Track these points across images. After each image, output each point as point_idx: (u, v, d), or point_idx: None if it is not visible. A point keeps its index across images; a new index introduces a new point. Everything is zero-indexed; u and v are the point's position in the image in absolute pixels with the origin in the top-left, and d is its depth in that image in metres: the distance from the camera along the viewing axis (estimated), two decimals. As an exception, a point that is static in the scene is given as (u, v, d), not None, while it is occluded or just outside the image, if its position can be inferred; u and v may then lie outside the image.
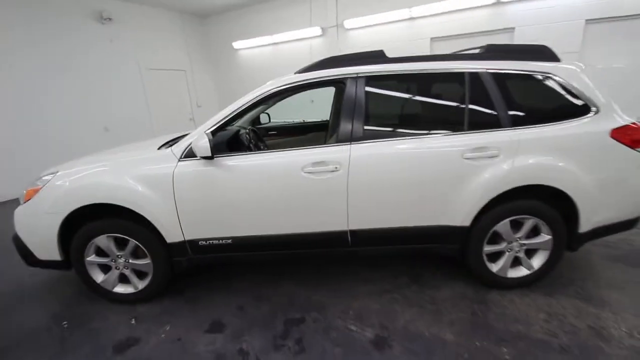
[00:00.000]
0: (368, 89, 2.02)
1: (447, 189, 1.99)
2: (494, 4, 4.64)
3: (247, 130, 2.68)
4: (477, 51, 2.17)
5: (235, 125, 2.95)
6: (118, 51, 6.29)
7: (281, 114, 3.89)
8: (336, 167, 1.95)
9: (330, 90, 3.41)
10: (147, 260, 2.15)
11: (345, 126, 2.01)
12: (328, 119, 3.64)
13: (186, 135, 2.22)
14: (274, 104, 3.13)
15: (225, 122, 2.05)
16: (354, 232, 2.09)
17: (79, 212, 2.04)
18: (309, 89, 2.13)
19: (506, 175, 1.94)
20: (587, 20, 4.21)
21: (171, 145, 2.15)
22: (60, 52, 5.51)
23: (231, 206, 2.02)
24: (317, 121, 3.85)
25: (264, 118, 3.74)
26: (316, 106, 6.54)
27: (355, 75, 2.03)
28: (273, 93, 2.07)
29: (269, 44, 7.04)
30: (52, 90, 5.46)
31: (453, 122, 2.03)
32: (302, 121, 6.61)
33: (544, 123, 1.99)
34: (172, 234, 2.07)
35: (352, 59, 2.08)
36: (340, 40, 6.11)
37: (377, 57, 2.05)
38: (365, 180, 1.98)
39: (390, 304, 2.16)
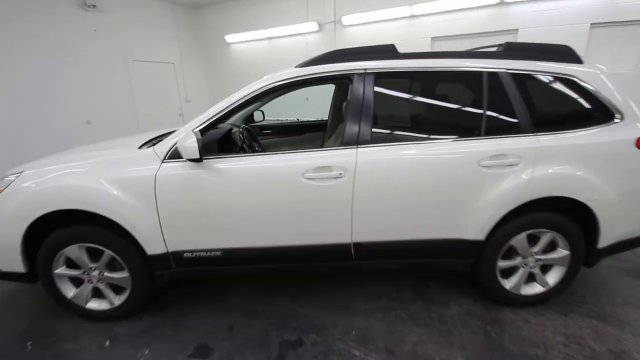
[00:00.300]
0: (377, 86, 1.82)
1: (462, 199, 1.81)
2: (497, 4, 4.51)
3: (241, 129, 2.44)
4: (494, 49, 2.00)
5: (227, 123, 2.73)
6: (103, 41, 5.93)
7: (274, 112, 3.67)
8: (340, 173, 1.74)
9: (327, 88, 3.22)
10: (124, 274, 1.91)
11: (351, 128, 1.80)
12: (323, 117, 3.46)
13: (171, 132, 1.99)
14: (270, 100, 2.91)
15: (216, 119, 1.82)
16: (358, 245, 1.89)
17: (47, 218, 1.78)
18: (311, 85, 1.92)
19: (527, 185, 1.77)
20: (592, 24, 4.11)
21: (154, 144, 1.91)
22: (40, 40, 5.13)
23: (221, 215, 1.80)
24: (314, 120, 3.64)
25: (257, 116, 3.50)
26: (311, 104, 6.33)
27: (364, 71, 1.82)
28: (271, 89, 1.85)
29: (263, 39, 6.78)
30: (30, 80, 5.09)
31: (469, 126, 1.85)
32: (296, 119, 6.42)
33: (566, 129, 1.83)
34: (153, 245, 1.83)
35: (359, 53, 1.87)
36: (337, 36, 5.90)
37: (388, 51, 1.85)
38: (373, 188, 1.78)
39: (395, 323, 1.97)
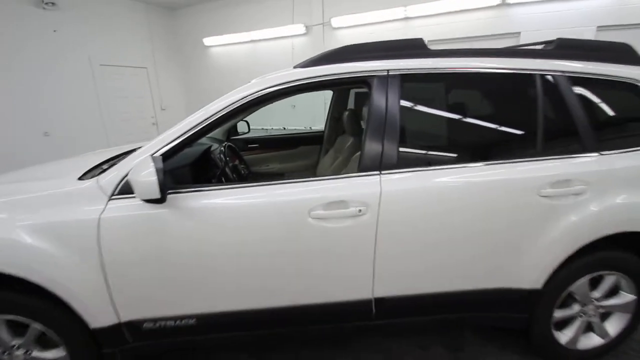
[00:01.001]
0: (404, 93, 1.38)
1: (516, 239, 1.40)
2: (498, 6, 4.23)
3: (222, 148, 1.92)
4: (540, 47, 1.61)
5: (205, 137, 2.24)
6: (64, 43, 5.28)
7: (257, 120, 3.21)
8: (360, 210, 1.29)
9: (315, 93, 2.82)
10: (60, 352, 1.37)
11: (371, 147, 1.35)
12: (312, 127, 3.03)
13: (132, 151, 1.47)
14: (258, 109, 2.43)
15: (188, 138, 1.32)
16: (380, 301, 1.43)
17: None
18: (314, 91, 1.48)
19: (598, 219, 1.38)
20: (598, 27, 3.88)
21: (104, 171, 1.39)
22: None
23: (197, 271, 1.30)
24: (308, 132, 3.19)
25: (241, 126, 2.99)
26: (298, 112, 5.88)
27: (386, 73, 1.38)
28: (262, 96, 1.38)
29: (244, 42, 6.29)
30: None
31: (522, 143, 1.45)
32: (282, 129, 5.96)
33: (635, 147, 1.46)
34: (98, 315, 1.31)
35: (379, 49, 1.43)
36: (326, 39, 5.50)
37: (416, 47, 1.43)
38: (402, 227, 1.33)
39: (428, 399, 1.52)
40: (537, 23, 4.11)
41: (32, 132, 5.02)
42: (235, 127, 2.83)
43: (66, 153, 3.34)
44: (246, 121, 2.94)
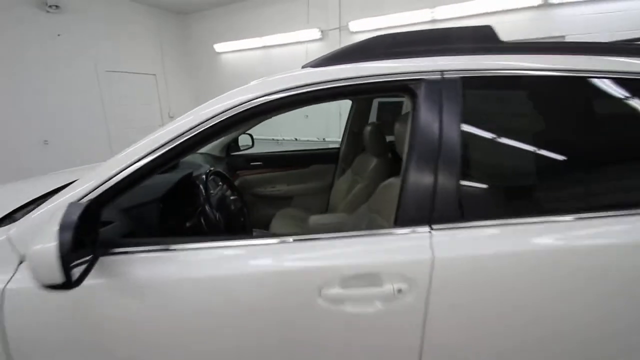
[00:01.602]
0: (468, 105, 0.92)
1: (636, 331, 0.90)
2: (539, 6, 3.74)
3: (204, 176, 1.43)
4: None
5: (198, 153, 1.83)
6: (69, 48, 5.07)
7: (266, 130, 2.79)
8: (400, 290, 0.82)
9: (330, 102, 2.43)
10: None
11: (416, 187, 0.88)
12: (326, 138, 2.59)
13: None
14: (262, 121, 2.01)
15: (144, 167, 0.89)
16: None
17: None
18: (333, 100, 1.04)
19: None
20: (660, 29, 3.34)
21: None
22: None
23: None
24: (320, 148, 2.74)
25: (244, 139, 2.57)
26: (311, 122, 5.49)
27: (439, 76, 0.92)
28: (260, 107, 0.95)
29: (256, 48, 5.98)
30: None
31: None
32: (294, 140, 5.57)
33: None
34: None
35: (427, 41, 0.98)
36: (342, 45, 5.10)
37: (484, 40, 0.96)
38: (467, 316, 0.85)
39: None
40: (585, 25, 3.60)
41: (32, 139, 4.80)
42: (235, 140, 2.42)
43: (67, 162, 3.11)
44: (249, 134, 2.53)
